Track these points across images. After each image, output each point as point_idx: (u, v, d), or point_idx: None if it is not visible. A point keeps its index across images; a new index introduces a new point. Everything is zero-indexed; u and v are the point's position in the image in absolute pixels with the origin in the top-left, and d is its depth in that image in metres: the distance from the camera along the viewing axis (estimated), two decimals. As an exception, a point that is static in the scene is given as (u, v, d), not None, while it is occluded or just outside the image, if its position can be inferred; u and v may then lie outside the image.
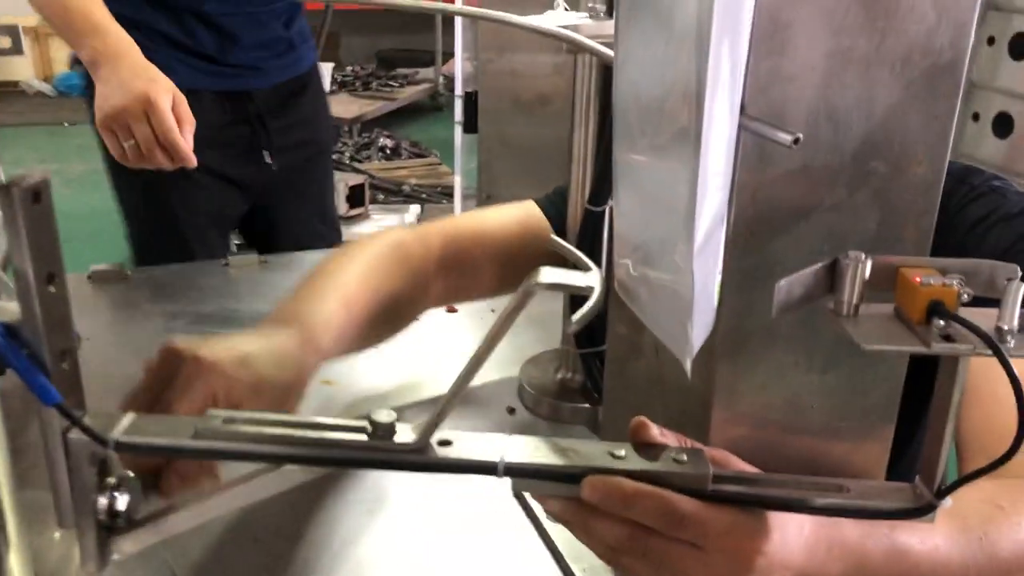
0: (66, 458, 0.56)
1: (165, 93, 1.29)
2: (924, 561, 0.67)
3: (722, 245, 0.45)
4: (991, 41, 3.00)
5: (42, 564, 0.77)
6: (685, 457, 0.61)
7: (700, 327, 0.45)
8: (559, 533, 0.83)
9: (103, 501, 0.58)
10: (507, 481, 0.63)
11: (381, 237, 1.03)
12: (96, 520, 0.59)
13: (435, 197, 4.21)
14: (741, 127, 0.53)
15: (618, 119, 0.50)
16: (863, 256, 0.56)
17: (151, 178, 1.38)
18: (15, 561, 0.66)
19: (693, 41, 0.39)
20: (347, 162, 4.62)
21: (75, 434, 0.56)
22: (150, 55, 1.35)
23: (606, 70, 0.93)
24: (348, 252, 0.99)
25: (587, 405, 1.05)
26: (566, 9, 0.95)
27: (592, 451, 0.61)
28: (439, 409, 0.60)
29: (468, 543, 0.84)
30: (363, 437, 0.60)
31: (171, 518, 0.62)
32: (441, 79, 6.35)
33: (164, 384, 0.73)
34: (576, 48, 0.77)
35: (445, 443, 0.61)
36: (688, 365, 0.46)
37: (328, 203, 1.88)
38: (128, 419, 0.58)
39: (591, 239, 0.98)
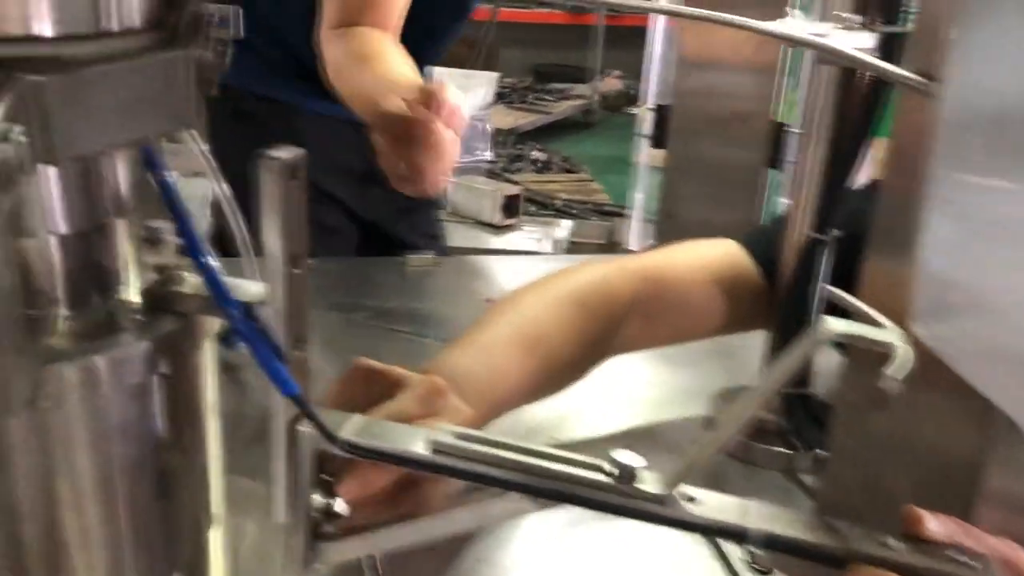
0: (289, 450, 0.53)
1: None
2: None
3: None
4: None
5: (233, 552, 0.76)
6: (967, 559, 0.53)
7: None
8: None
9: (320, 500, 0.55)
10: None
11: (578, 272, 0.98)
12: (309, 518, 0.56)
13: (584, 213, 4.17)
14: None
15: (946, 131, 0.44)
16: None
17: None
18: (215, 541, 0.64)
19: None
20: (499, 172, 4.63)
21: (303, 426, 0.53)
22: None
23: (844, 85, 0.86)
24: (546, 287, 0.94)
25: (784, 450, 0.98)
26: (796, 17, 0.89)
27: (855, 534, 0.54)
28: (690, 460, 0.54)
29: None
30: (603, 477, 0.54)
31: (383, 532, 0.59)
32: (596, 96, 6.32)
33: (365, 398, 0.70)
34: (830, 58, 0.71)
35: (690, 499, 0.55)
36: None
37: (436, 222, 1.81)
38: (358, 420, 0.55)
39: (809, 270, 0.91)
